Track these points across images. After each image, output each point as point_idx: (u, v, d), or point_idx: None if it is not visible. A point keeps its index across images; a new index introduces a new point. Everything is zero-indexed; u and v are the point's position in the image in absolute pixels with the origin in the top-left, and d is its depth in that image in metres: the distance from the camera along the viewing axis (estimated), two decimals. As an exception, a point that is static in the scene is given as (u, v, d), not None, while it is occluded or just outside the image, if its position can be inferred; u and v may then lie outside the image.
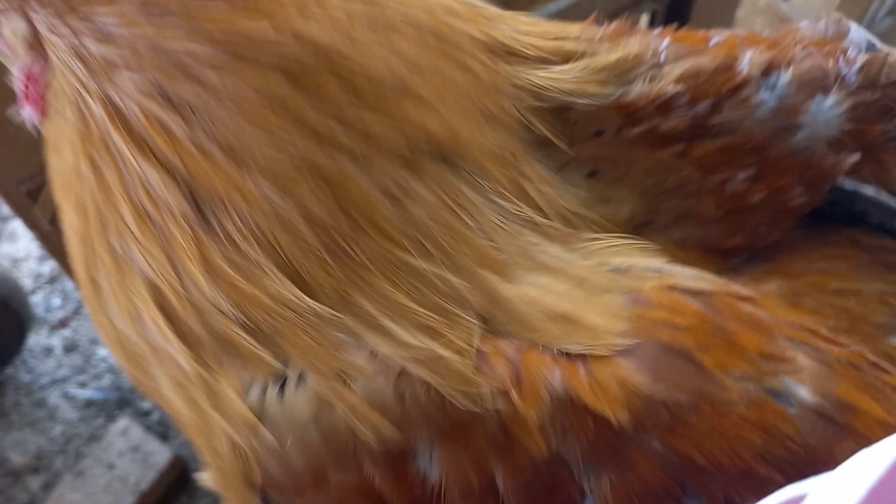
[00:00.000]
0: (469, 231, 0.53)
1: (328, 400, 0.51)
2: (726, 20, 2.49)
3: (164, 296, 0.53)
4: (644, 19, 1.75)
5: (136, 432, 2.28)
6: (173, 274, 0.52)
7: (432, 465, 0.49)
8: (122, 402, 2.52)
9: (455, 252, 0.52)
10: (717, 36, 0.66)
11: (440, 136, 0.54)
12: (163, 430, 2.41)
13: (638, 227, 0.61)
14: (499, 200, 0.56)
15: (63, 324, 2.75)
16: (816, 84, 0.62)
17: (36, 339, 2.69)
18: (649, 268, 0.56)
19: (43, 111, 0.60)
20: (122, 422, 2.32)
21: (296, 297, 0.50)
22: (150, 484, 2.12)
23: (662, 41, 0.63)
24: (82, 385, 2.61)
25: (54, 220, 1.39)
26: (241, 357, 0.52)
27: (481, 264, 0.52)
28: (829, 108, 0.62)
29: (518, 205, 0.56)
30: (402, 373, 0.50)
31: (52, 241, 1.41)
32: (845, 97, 0.62)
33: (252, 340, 0.52)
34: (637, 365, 0.49)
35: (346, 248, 0.50)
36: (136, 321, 0.55)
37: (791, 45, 0.65)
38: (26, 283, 2.76)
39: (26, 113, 0.62)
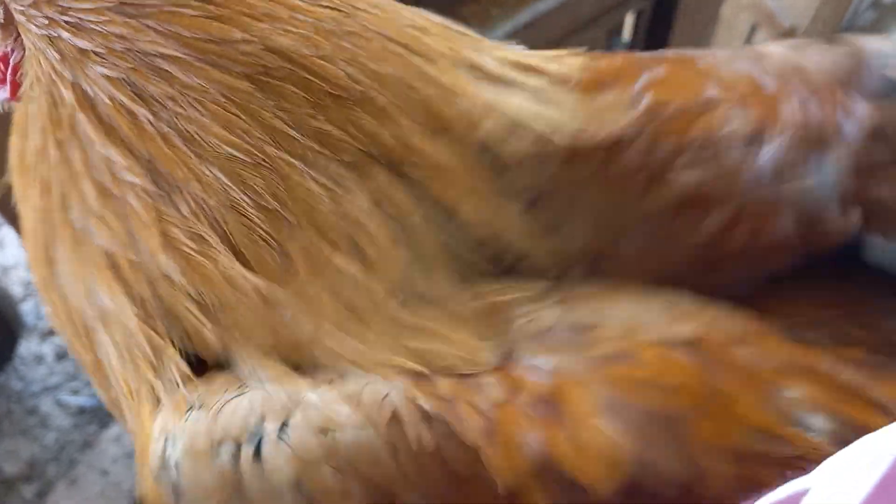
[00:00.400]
0: (394, 245, 0.54)
1: (312, 458, 0.48)
2: (712, 19, 2.51)
3: (118, 264, 0.57)
4: (629, 19, 1.76)
5: (130, 438, 2.28)
6: (130, 245, 0.56)
7: None
8: (114, 408, 2.52)
9: (377, 260, 0.53)
10: (713, 88, 0.60)
11: (392, 147, 0.56)
12: (156, 435, 2.41)
13: (596, 260, 0.58)
14: (438, 217, 0.57)
15: (54, 331, 2.74)
16: (812, 144, 0.57)
17: (27, 346, 2.68)
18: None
19: (13, 93, 0.62)
20: (115, 428, 2.32)
21: (241, 275, 0.54)
22: (144, 490, 2.12)
23: (644, 97, 0.59)
24: (74, 392, 2.60)
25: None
26: (184, 332, 0.56)
27: (391, 280, 0.53)
28: (826, 167, 0.57)
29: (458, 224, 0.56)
30: (393, 417, 0.48)
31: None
32: (847, 154, 0.57)
33: (196, 310, 0.55)
34: (622, 430, 0.46)
35: (284, 238, 0.54)
36: (88, 291, 0.58)
37: (787, 100, 0.59)
38: (16, 290, 2.75)
39: None
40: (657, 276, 0.57)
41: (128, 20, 0.54)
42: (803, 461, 0.46)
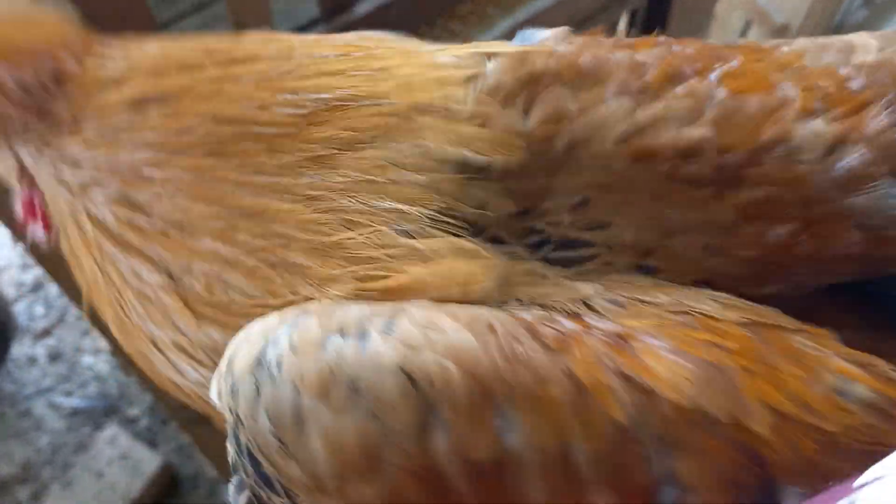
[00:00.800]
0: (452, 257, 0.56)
1: (415, 344, 0.48)
2: (706, 16, 2.51)
3: (181, 345, 0.63)
4: (624, 18, 1.76)
5: (124, 440, 2.26)
6: (179, 329, 0.62)
7: (513, 431, 0.47)
8: (109, 409, 2.50)
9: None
10: (787, 87, 0.58)
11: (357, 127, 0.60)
12: (151, 436, 2.40)
13: (645, 254, 0.57)
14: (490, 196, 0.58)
15: (47, 332, 2.73)
16: (893, 158, 0.54)
17: (19, 348, 2.66)
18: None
19: (48, 229, 0.71)
20: (110, 430, 2.30)
21: (261, 307, 0.58)
22: (139, 491, 2.11)
23: (717, 91, 0.57)
24: (68, 394, 2.59)
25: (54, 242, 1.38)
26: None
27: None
28: None
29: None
30: (489, 327, 0.50)
31: (39, 249, 1.39)
32: None
33: None
34: (686, 366, 0.48)
35: (284, 257, 0.58)
36: (178, 371, 0.66)
37: (875, 103, 0.56)
38: (8, 292, 2.73)
39: (35, 232, 0.72)
40: (707, 279, 0.56)
41: (106, 140, 0.60)
42: (846, 439, 0.47)
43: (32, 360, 2.66)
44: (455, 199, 0.57)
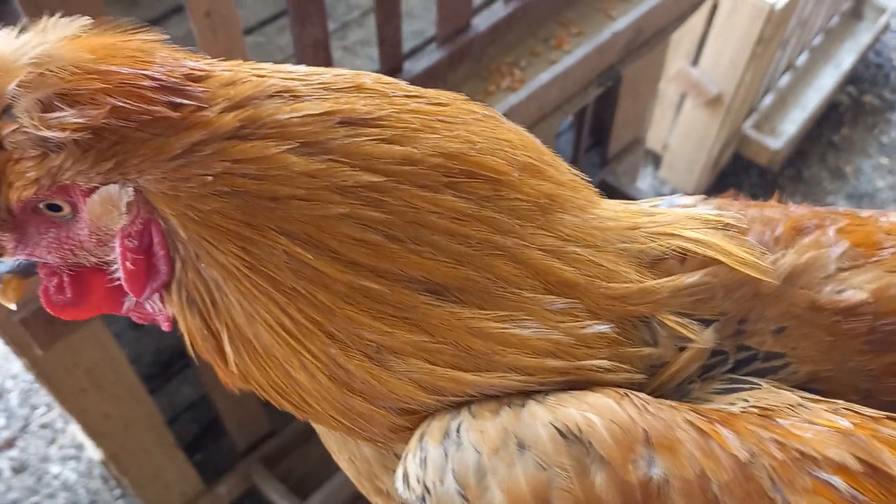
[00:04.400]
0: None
1: (564, 403, 0.57)
2: (651, 93, 2.67)
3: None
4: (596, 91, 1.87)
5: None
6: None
7: (655, 466, 0.54)
8: (80, 520, 2.41)
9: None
10: (892, 243, 0.68)
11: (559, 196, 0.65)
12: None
13: (814, 379, 0.66)
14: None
15: (9, 444, 2.63)
16: None
17: (-19, 462, 2.56)
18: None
19: (168, 268, 0.61)
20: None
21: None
22: None
23: (837, 245, 0.68)
24: (35, 507, 2.49)
25: (45, 345, 1.38)
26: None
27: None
28: None
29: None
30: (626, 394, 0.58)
31: (41, 366, 1.39)
32: None
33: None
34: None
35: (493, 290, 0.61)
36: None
37: None
38: (-31, 404, 2.63)
39: (146, 295, 0.63)
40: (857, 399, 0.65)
41: (312, 159, 0.57)
42: None
43: (-5, 474, 2.56)
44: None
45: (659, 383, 0.63)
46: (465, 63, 1.69)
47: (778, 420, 0.58)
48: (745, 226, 0.68)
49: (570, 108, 1.77)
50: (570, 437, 0.55)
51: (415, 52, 1.89)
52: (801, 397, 0.62)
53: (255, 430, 2.12)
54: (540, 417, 0.57)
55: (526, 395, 0.60)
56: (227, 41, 1.26)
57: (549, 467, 0.55)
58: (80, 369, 1.50)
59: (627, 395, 0.58)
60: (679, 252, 0.66)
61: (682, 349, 0.63)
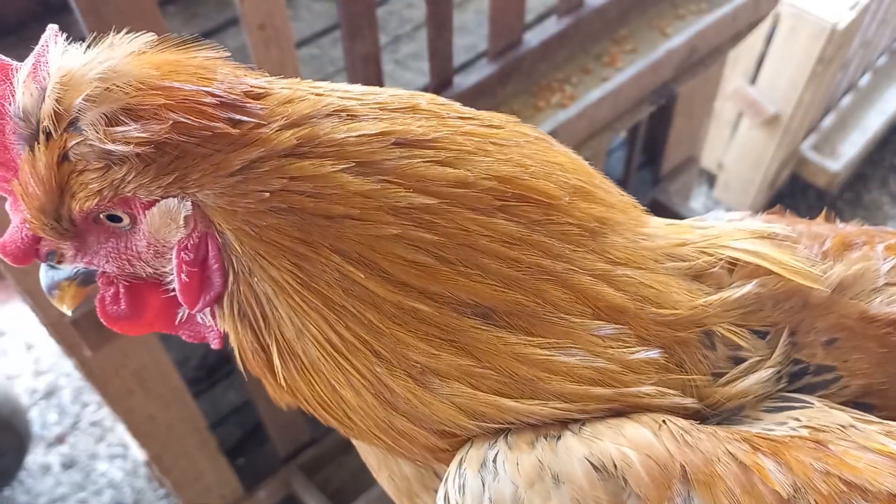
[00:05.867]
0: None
1: (600, 437, 0.57)
2: (706, 111, 2.62)
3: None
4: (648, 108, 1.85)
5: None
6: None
7: (693, 499, 0.53)
8: (125, 518, 2.46)
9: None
10: None
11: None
12: (169, 544, 2.36)
13: (867, 396, 0.64)
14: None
15: (60, 440, 2.70)
16: None
17: (32, 456, 2.63)
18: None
19: (223, 280, 0.62)
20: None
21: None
22: None
23: (886, 261, 0.67)
24: (82, 503, 2.55)
25: (95, 347, 1.41)
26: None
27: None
28: None
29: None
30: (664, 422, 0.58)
31: (91, 366, 1.42)
32: None
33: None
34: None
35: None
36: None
37: None
38: (21, 399, 2.71)
39: (199, 307, 0.63)
40: None
41: (367, 179, 0.57)
42: None
43: (45, 469, 2.62)
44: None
45: (718, 399, 0.62)
46: (516, 78, 1.69)
47: (830, 447, 0.56)
48: (794, 236, 0.67)
49: (622, 125, 1.75)
50: (605, 472, 0.54)
51: (465, 66, 1.89)
52: (854, 417, 0.59)
53: (296, 438, 2.13)
54: (575, 452, 0.56)
55: (563, 424, 0.59)
56: (280, 53, 1.28)
57: (585, 502, 0.54)
58: (127, 371, 1.53)
59: (666, 424, 0.56)
60: (728, 262, 0.64)
61: (739, 361, 0.62)
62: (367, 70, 1.42)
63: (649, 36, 1.86)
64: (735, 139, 3.14)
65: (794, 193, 3.43)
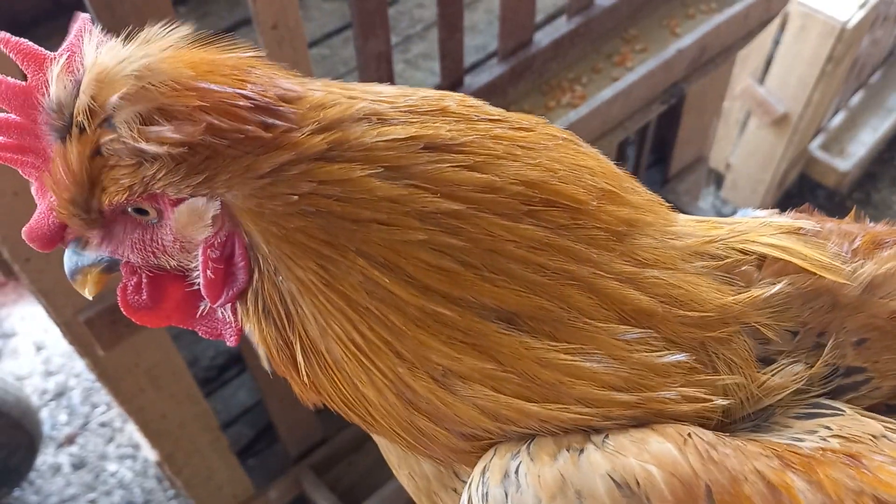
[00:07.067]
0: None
1: (623, 452, 0.56)
2: (715, 111, 2.62)
3: None
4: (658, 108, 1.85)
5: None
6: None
7: None
8: (135, 518, 2.47)
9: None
10: None
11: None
12: (179, 545, 2.36)
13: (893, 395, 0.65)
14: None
15: (70, 440, 2.71)
16: None
17: (42, 457, 2.64)
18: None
19: (247, 276, 0.62)
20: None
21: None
22: None
23: None
24: (92, 503, 2.56)
25: (108, 346, 1.42)
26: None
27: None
28: None
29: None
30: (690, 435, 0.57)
31: (103, 366, 1.42)
32: None
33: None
34: None
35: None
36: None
37: None
38: (32, 400, 2.72)
39: (221, 302, 0.63)
40: None
41: (395, 184, 0.58)
42: None
43: (56, 469, 2.63)
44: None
45: (752, 394, 0.62)
46: (526, 78, 1.69)
47: (863, 461, 0.55)
48: (822, 232, 0.67)
49: (632, 124, 1.75)
50: (628, 490, 0.54)
51: (476, 66, 1.89)
52: (886, 427, 0.59)
53: (307, 438, 2.14)
54: (598, 467, 0.56)
55: (587, 434, 0.59)
56: (293, 52, 1.28)
57: None
58: (140, 369, 1.54)
59: (692, 438, 0.56)
60: (757, 258, 0.64)
61: (769, 361, 0.62)
62: (380, 69, 1.42)
63: (660, 35, 1.86)
64: (743, 139, 3.14)
65: (804, 193, 3.42)
